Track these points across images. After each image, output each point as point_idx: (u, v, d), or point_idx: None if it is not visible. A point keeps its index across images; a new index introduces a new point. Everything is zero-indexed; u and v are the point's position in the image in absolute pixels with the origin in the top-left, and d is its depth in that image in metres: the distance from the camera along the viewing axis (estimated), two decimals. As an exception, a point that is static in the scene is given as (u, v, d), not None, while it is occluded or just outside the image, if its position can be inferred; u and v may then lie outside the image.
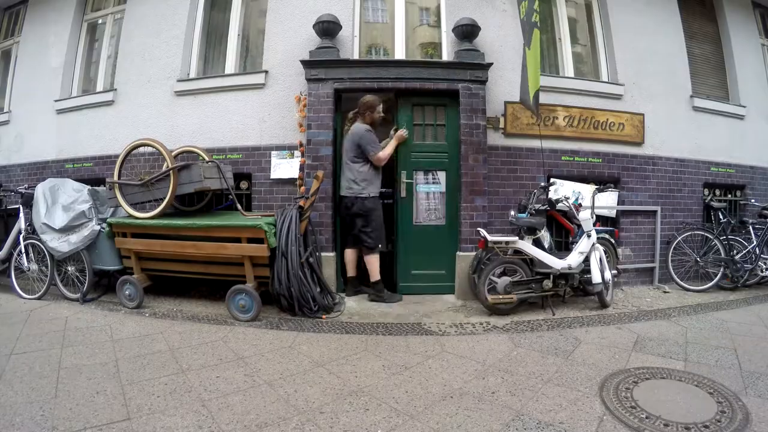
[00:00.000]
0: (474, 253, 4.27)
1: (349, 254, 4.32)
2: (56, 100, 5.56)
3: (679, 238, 4.83)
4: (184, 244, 3.76)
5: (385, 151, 4.19)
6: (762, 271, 4.71)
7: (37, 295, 4.08)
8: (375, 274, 4.18)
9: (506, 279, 3.77)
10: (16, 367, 2.60)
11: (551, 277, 3.86)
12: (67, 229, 3.99)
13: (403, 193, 4.46)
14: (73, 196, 4.16)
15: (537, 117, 4.55)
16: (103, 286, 4.35)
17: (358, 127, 4.16)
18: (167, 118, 4.96)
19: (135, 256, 3.95)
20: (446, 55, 4.76)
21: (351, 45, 4.67)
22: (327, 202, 4.38)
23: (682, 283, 4.75)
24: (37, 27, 5.95)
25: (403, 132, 4.32)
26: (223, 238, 3.71)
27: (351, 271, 4.35)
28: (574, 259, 3.91)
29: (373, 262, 4.17)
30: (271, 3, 4.87)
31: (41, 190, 4.16)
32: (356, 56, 4.71)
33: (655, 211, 5.03)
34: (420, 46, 5.11)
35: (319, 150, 4.38)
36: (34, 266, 4.15)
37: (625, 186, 5.00)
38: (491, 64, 4.48)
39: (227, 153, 4.70)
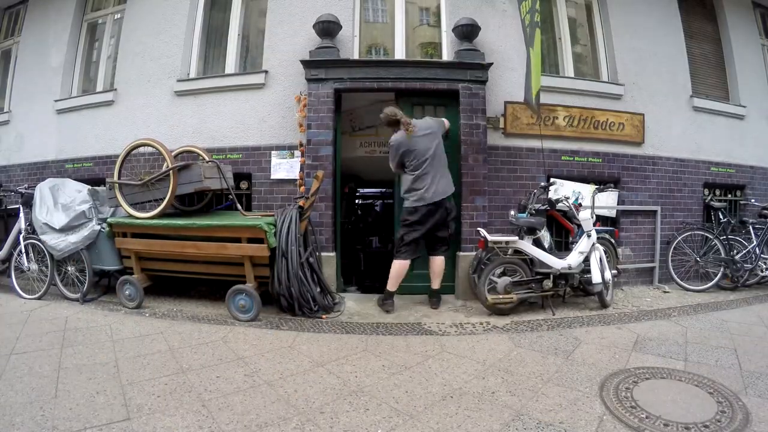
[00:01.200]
0: (474, 253, 4.27)
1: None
2: (56, 100, 5.57)
3: (679, 238, 4.83)
4: (184, 244, 3.75)
5: None
6: (762, 271, 4.71)
7: (37, 295, 4.08)
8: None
9: (506, 279, 3.77)
10: (16, 367, 2.60)
11: (551, 277, 3.86)
12: (67, 229, 3.99)
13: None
14: (73, 196, 4.16)
15: (537, 117, 4.55)
16: (103, 286, 4.35)
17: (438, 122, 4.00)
18: (167, 118, 4.97)
19: (135, 256, 3.95)
20: (446, 55, 4.76)
21: (351, 45, 4.67)
22: (327, 202, 4.38)
23: (682, 283, 4.75)
24: (37, 27, 5.95)
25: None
26: (223, 238, 3.71)
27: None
28: (574, 259, 3.91)
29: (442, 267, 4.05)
30: (271, 3, 4.87)
31: (41, 190, 4.16)
32: (356, 56, 4.71)
33: (655, 211, 5.03)
34: (420, 46, 5.11)
35: (319, 150, 4.38)
36: (34, 266, 4.15)
37: (625, 186, 5.01)
38: (491, 64, 4.48)
39: (227, 153, 4.70)
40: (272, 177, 4.60)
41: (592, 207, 4.16)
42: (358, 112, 5.65)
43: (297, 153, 4.56)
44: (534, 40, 4.00)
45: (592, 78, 5.20)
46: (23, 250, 4.16)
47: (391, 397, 2.33)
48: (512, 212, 4.12)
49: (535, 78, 4.02)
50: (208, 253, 3.73)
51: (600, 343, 3.16)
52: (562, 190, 4.67)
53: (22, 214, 4.24)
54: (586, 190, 4.70)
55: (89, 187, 4.27)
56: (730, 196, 5.69)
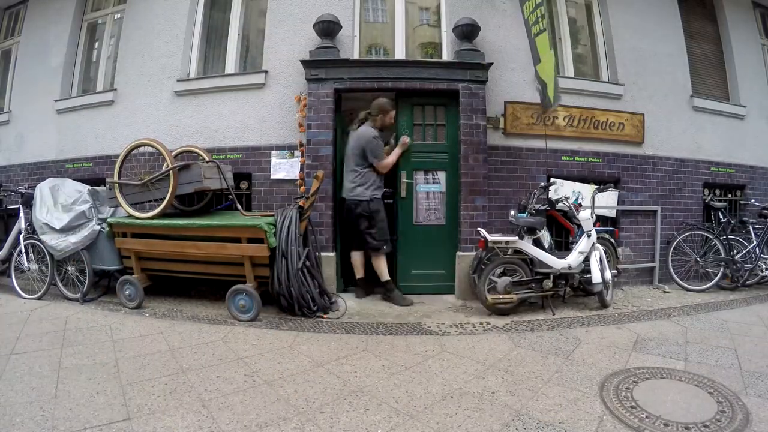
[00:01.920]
0: (474, 253, 4.27)
1: (356, 257, 4.34)
2: (56, 100, 5.56)
3: (679, 238, 4.83)
4: (184, 244, 3.75)
5: (389, 159, 4.23)
6: (762, 271, 4.71)
7: (37, 295, 4.08)
8: (384, 274, 4.18)
9: (506, 279, 3.77)
10: (16, 367, 2.60)
11: (551, 277, 3.86)
12: (67, 229, 3.99)
13: (403, 193, 4.45)
14: (73, 196, 4.16)
15: (542, 116, 4.56)
16: (103, 286, 4.35)
17: (366, 132, 4.14)
18: (167, 118, 4.96)
19: (135, 256, 3.95)
20: (446, 55, 4.75)
21: (351, 45, 4.67)
22: (327, 202, 4.38)
23: (682, 283, 4.75)
24: (37, 27, 5.95)
25: (406, 139, 4.36)
26: (223, 238, 3.71)
27: (359, 273, 4.36)
28: (574, 259, 3.91)
29: (379, 263, 4.17)
30: (271, 3, 4.87)
31: (41, 190, 4.16)
32: (356, 56, 4.70)
33: (655, 211, 5.03)
34: (420, 46, 5.11)
35: (319, 150, 4.38)
36: (34, 266, 4.15)
37: (625, 186, 5.00)
38: (491, 64, 4.47)
39: (227, 153, 4.70)
40: (272, 177, 4.60)
41: (592, 207, 4.16)
42: (359, 112, 5.64)
43: (297, 153, 4.56)
44: (547, 36, 3.97)
45: (592, 78, 5.20)
46: (23, 250, 4.16)
47: (391, 397, 2.33)
48: (512, 212, 4.12)
49: (551, 75, 4.01)
50: (208, 253, 3.73)
51: (600, 343, 3.16)
52: (562, 190, 4.67)
53: (22, 214, 4.25)
54: (586, 190, 4.70)
55: (89, 187, 4.27)
56: (730, 196, 5.69)
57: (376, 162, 4.12)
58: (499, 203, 4.59)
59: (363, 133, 4.15)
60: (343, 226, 4.45)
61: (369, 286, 4.39)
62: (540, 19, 4.04)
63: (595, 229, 4.07)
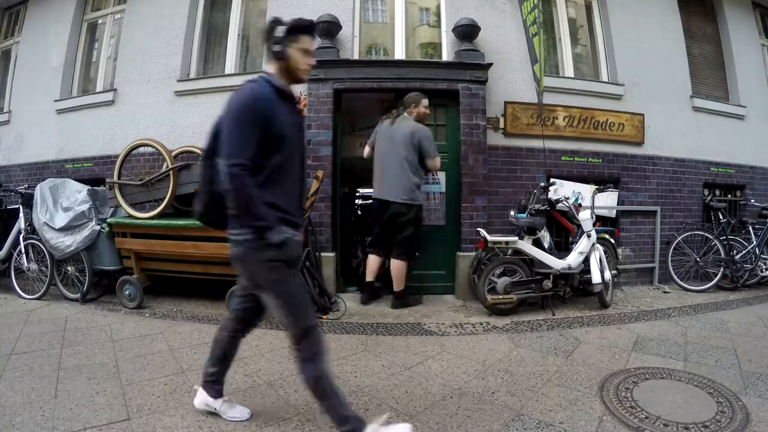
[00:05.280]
0: (474, 253, 4.27)
1: (376, 261, 4.08)
2: (56, 100, 5.57)
3: (679, 239, 4.83)
4: (184, 244, 3.75)
5: (439, 159, 3.96)
6: (762, 271, 4.71)
7: (37, 295, 4.08)
8: (403, 281, 3.97)
9: (506, 279, 3.77)
10: (16, 367, 2.60)
11: (551, 277, 3.86)
12: (67, 229, 3.99)
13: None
14: (73, 196, 4.16)
15: (539, 116, 4.56)
16: (103, 286, 4.34)
17: (417, 125, 3.88)
18: (167, 118, 4.97)
19: (135, 256, 3.95)
20: (446, 56, 4.76)
21: (351, 45, 4.67)
22: (327, 202, 4.38)
23: (682, 284, 4.75)
24: (37, 27, 5.95)
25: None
26: (223, 238, 3.67)
27: (371, 276, 4.13)
28: (573, 259, 3.91)
29: (403, 269, 3.95)
30: (270, 3, 4.87)
31: (41, 190, 4.16)
32: (356, 56, 4.71)
33: (655, 211, 5.03)
34: (420, 46, 5.11)
35: (319, 150, 4.37)
36: (34, 266, 4.15)
37: (625, 186, 5.00)
38: (491, 64, 4.47)
39: (227, 153, 4.69)
40: (272, 177, 4.59)
41: (592, 207, 4.16)
42: (358, 112, 5.64)
43: (297, 153, 4.55)
44: (540, 39, 4.01)
45: (591, 78, 5.20)
46: (23, 250, 4.16)
47: (391, 397, 2.33)
48: (512, 212, 4.12)
49: (541, 76, 4.06)
50: (208, 253, 3.73)
51: (600, 343, 3.16)
52: (562, 190, 4.67)
53: (21, 214, 4.24)
54: (585, 190, 4.70)
55: (89, 187, 4.27)
56: (730, 196, 5.69)
57: (432, 161, 3.86)
58: (499, 203, 4.58)
59: (417, 127, 3.85)
60: (377, 229, 4.10)
61: (373, 289, 4.23)
62: (533, 24, 4.07)
63: (595, 230, 4.07)
